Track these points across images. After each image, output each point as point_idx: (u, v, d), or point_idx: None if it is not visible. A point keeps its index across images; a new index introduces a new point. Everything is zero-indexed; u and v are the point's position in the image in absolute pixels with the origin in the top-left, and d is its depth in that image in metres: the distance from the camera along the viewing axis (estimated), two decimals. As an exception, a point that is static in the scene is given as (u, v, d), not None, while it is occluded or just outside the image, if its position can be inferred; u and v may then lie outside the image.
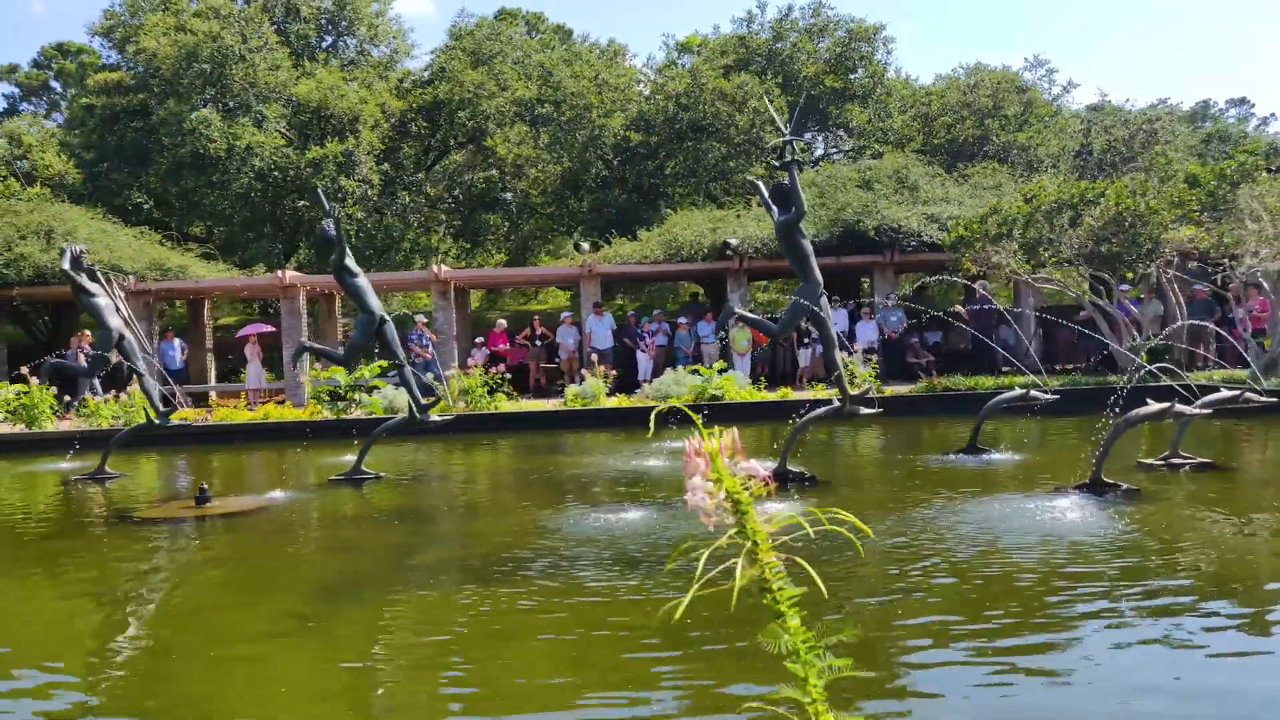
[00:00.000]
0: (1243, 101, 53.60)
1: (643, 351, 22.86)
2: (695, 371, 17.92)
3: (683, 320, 23.42)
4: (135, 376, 12.22)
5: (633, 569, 6.18)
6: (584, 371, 18.86)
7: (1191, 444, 9.73)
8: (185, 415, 15.84)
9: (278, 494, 10.22)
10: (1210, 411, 8.56)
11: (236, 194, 27.48)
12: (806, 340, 23.16)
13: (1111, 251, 16.77)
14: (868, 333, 22.89)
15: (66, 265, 11.59)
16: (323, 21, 33.79)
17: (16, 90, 53.43)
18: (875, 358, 19.22)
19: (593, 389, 17.40)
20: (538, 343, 24.14)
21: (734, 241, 22.55)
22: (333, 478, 10.89)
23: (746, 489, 1.31)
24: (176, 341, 23.22)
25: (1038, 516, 7.37)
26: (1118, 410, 8.56)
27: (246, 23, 28.83)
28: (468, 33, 33.58)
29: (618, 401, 17.43)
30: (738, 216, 24.38)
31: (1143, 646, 4.57)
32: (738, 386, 17.56)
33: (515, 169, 30.71)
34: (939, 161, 28.65)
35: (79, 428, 16.16)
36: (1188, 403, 8.53)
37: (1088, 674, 4.24)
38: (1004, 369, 22.27)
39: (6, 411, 17.01)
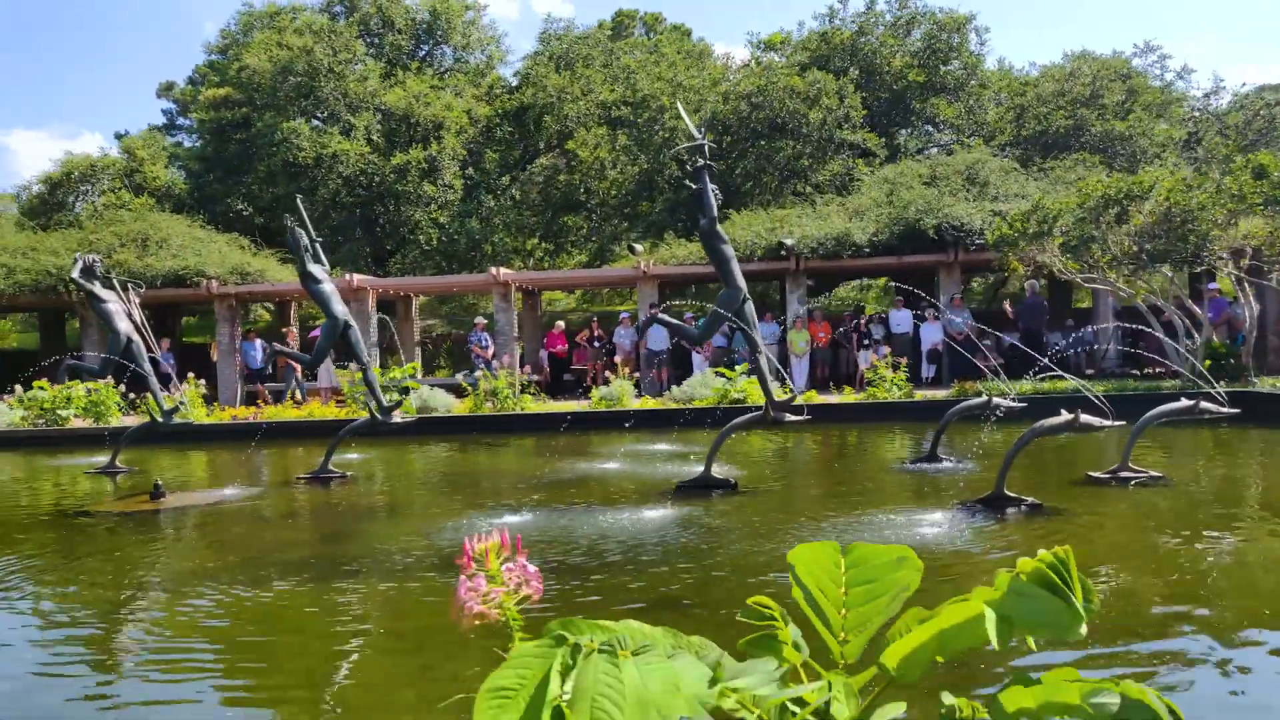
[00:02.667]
0: None
1: (699, 353, 22.78)
2: (720, 374, 17.79)
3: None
4: (145, 379, 13.01)
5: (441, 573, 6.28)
6: (607, 374, 19.01)
7: (1168, 457, 9.10)
8: (193, 415, 16.85)
9: (235, 490, 10.75)
10: (1123, 423, 8.00)
11: (324, 199, 28.85)
12: (868, 342, 22.59)
13: (1158, 249, 15.70)
14: (932, 335, 22.19)
15: (76, 274, 12.49)
16: (419, 32, 35.03)
17: (174, 106, 57.48)
18: (905, 360, 18.65)
19: (617, 391, 17.51)
20: (595, 344, 24.38)
21: (789, 241, 22.20)
22: (300, 476, 11.36)
23: None
24: (258, 342, 24.54)
25: (890, 533, 7.06)
26: (994, 417, 8.10)
27: (337, 36, 30.20)
28: (556, 38, 34.19)
29: (641, 404, 17.49)
30: (800, 216, 23.97)
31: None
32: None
33: (596, 171, 31.07)
34: (1031, 154, 27.35)
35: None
36: (1102, 414, 7.99)
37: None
38: (1088, 372, 21.08)
39: (78, 408, 18.43)
